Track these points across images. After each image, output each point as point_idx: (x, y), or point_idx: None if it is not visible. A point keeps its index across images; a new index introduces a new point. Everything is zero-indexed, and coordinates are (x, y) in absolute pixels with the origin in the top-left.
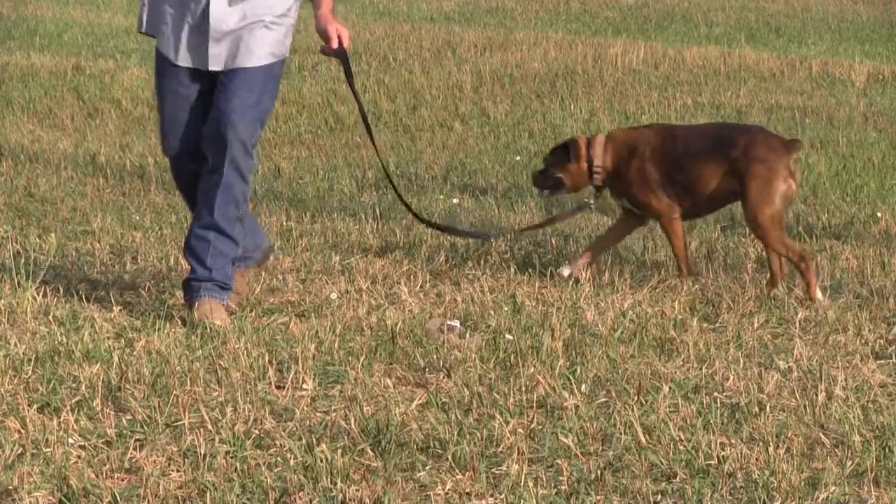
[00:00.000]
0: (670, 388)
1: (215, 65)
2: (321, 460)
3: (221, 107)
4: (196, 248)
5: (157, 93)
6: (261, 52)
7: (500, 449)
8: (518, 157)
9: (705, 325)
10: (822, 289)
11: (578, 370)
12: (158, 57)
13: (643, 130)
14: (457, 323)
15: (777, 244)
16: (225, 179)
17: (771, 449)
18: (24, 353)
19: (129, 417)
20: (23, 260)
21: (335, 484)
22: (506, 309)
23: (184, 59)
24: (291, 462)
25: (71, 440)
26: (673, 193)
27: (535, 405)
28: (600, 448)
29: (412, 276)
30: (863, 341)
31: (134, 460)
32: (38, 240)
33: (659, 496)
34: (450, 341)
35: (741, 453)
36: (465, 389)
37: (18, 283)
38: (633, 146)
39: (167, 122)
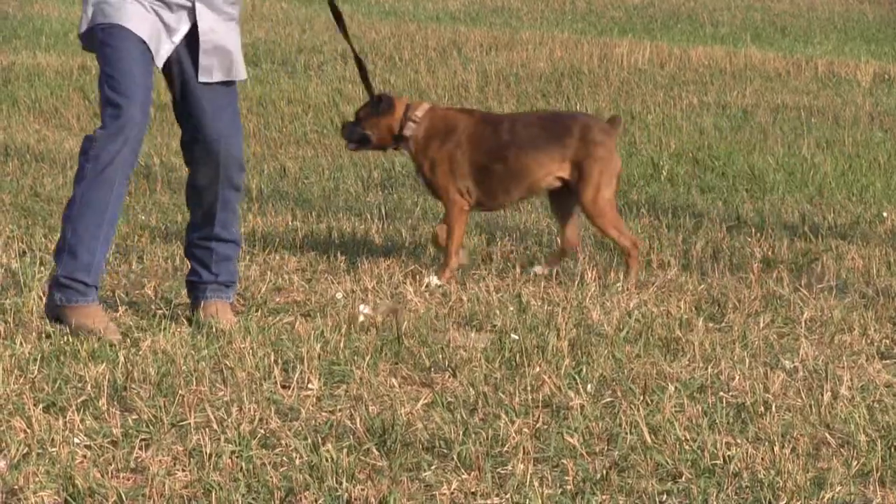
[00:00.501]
0: (676, 387)
1: (205, 77)
2: (327, 460)
3: (212, 125)
4: (199, 255)
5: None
6: (242, 58)
7: (505, 448)
8: None
9: (711, 324)
10: (829, 288)
11: (584, 370)
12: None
13: (464, 114)
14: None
15: (613, 227)
16: (223, 196)
17: (776, 449)
18: (29, 353)
19: (134, 417)
20: (28, 259)
21: (340, 483)
22: (511, 308)
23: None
24: (297, 461)
25: (76, 440)
26: (474, 184)
27: (540, 405)
28: (606, 448)
29: (418, 276)
30: (868, 341)
31: (139, 460)
32: (43, 239)
33: (664, 496)
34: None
35: (747, 453)
36: (471, 389)
37: (24, 282)
38: (452, 127)
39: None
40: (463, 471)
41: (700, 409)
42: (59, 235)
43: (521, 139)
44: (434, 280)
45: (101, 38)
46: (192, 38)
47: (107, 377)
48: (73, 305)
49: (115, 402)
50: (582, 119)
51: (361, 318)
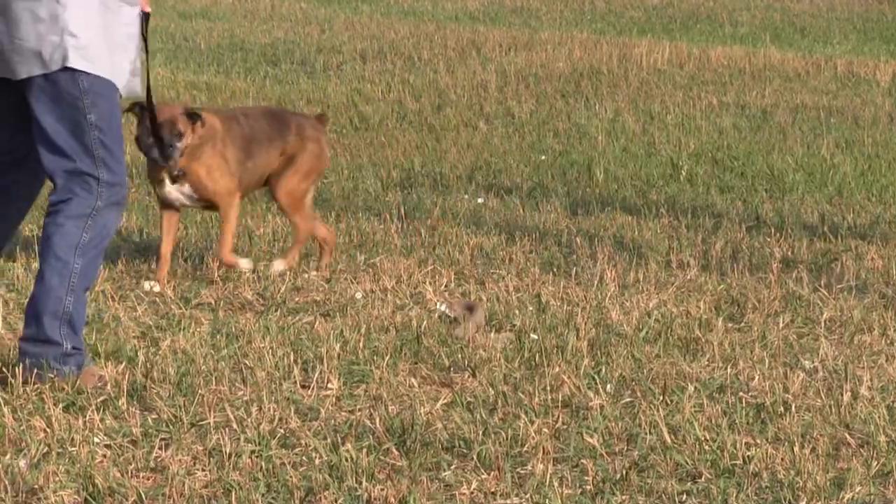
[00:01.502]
0: (695, 387)
1: None
2: (346, 459)
3: None
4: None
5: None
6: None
7: (525, 448)
8: (543, 157)
9: (730, 324)
10: (848, 288)
11: (603, 370)
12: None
13: (213, 115)
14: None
15: (309, 219)
16: None
17: (796, 449)
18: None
19: (154, 416)
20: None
21: (360, 483)
22: (531, 308)
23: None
24: (316, 461)
25: (96, 439)
26: (238, 179)
27: (560, 405)
28: (625, 448)
29: (437, 276)
30: (888, 341)
31: (159, 459)
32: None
33: (684, 496)
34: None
35: (766, 453)
36: (490, 389)
37: None
38: (211, 130)
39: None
40: (482, 471)
41: (719, 409)
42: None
43: (259, 134)
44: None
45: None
46: None
47: (126, 377)
48: (86, 370)
49: (135, 402)
50: (297, 115)
51: (438, 315)
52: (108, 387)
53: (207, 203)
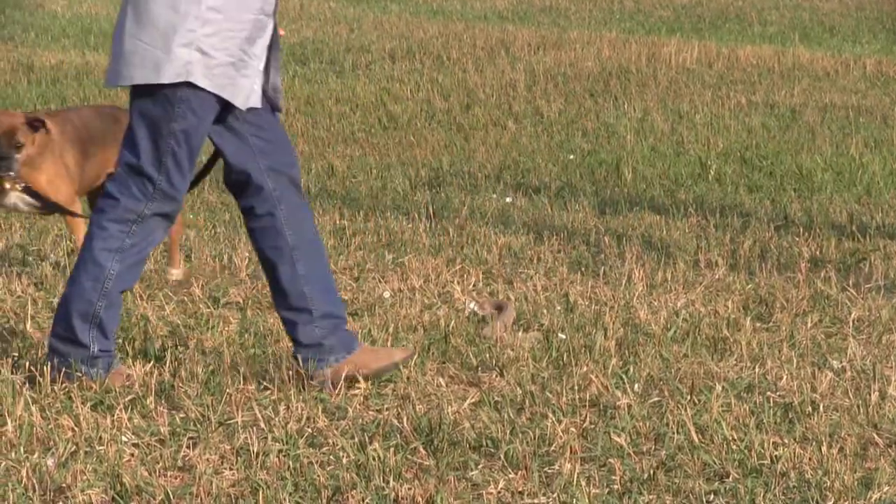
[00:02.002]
0: (723, 387)
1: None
2: (374, 459)
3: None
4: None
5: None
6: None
7: (552, 448)
8: (571, 156)
9: (758, 324)
10: (877, 288)
11: (631, 369)
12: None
13: (49, 120)
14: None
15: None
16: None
17: (824, 449)
18: None
19: (182, 415)
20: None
21: (387, 482)
22: (559, 308)
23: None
24: (344, 460)
25: (124, 438)
26: (78, 182)
27: (587, 404)
28: (653, 447)
29: (465, 275)
30: None
31: (187, 458)
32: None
33: (711, 496)
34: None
35: (794, 453)
36: (518, 388)
37: None
38: (49, 136)
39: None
40: (510, 470)
41: (747, 408)
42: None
43: (97, 134)
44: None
45: None
46: None
47: (154, 376)
48: (114, 370)
49: (163, 401)
50: (117, 109)
51: (468, 314)
52: (136, 386)
53: (50, 211)
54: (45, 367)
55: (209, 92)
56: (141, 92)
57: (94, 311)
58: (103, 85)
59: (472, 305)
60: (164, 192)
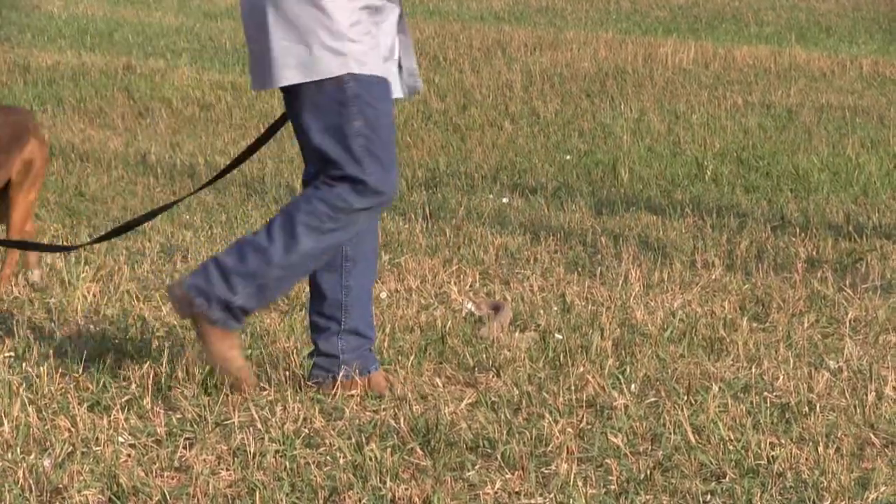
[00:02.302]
0: (720, 387)
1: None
2: (370, 459)
3: None
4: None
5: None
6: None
7: (549, 448)
8: (568, 157)
9: (755, 324)
10: (873, 288)
11: (628, 370)
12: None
13: None
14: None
15: (31, 223)
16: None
17: (821, 449)
18: (73, 352)
19: (178, 416)
20: (73, 258)
21: (384, 483)
22: (555, 308)
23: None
24: (341, 461)
25: (121, 439)
26: None
27: (584, 405)
28: (650, 448)
29: (462, 276)
30: None
31: (184, 459)
32: (88, 238)
33: (708, 496)
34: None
35: (791, 453)
36: (515, 389)
37: (69, 281)
38: None
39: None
40: (507, 470)
41: (744, 409)
42: (246, 258)
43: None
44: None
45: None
46: None
47: (151, 376)
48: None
49: (160, 401)
50: (26, 114)
51: (465, 314)
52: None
53: None
54: (41, 368)
55: (377, 77)
56: (304, 93)
57: (259, 272)
58: (252, 88)
59: (469, 306)
60: (375, 189)
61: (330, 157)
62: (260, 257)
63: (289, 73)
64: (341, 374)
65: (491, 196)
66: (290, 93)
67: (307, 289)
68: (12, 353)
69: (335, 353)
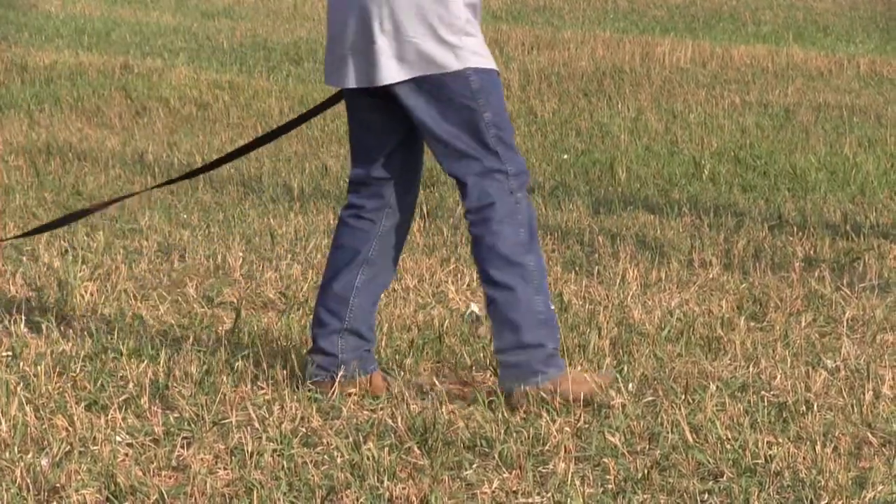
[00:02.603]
0: (717, 386)
1: None
2: (368, 458)
3: None
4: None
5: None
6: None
7: (546, 447)
8: (565, 156)
9: (753, 323)
10: (871, 287)
11: (625, 369)
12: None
13: None
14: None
15: None
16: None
17: (818, 448)
18: (71, 351)
19: (176, 415)
20: (70, 258)
21: (382, 482)
22: (552, 307)
23: None
24: (338, 460)
25: (118, 438)
26: None
27: (581, 404)
28: (647, 447)
29: (459, 275)
30: None
31: (181, 458)
32: (85, 238)
33: (706, 495)
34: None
35: (788, 452)
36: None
37: (66, 280)
38: None
39: None
40: (504, 469)
41: (741, 408)
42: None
43: None
44: None
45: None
46: None
47: (148, 375)
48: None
49: (157, 401)
50: None
51: (468, 315)
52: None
53: None
54: (39, 367)
55: (494, 69)
56: (422, 89)
57: (537, 308)
58: (338, 84)
59: (474, 308)
60: (516, 174)
61: (466, 151)
62: (522, 308)
63: (406, 69)
64: (340, 373)
65: None
66: (402, 90)
67: (304, 287)
68: (9, 353)
69: (334, 351)
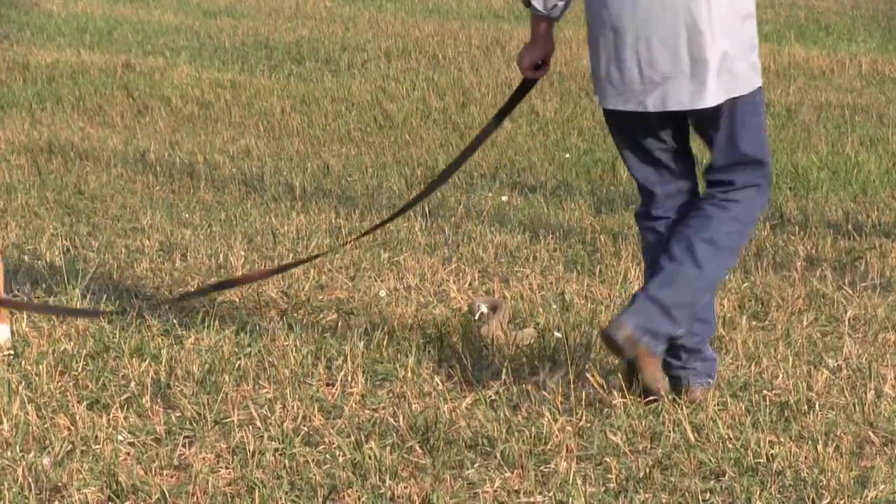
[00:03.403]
0: (719, 385)
1: None
2: (370, 457)
3: None
4: None
5: None
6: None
7: (548, 447)
8: (567, 155)
9: (754, 323)
10: (872, 287)
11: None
12: None
13: None
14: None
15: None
16: None
17: (820, 447)
18: (73, 350)
19: (178, 414)
20: (72, 257)
21: (384, 481)
22: (554, 307)
23: None
24: (340, 459)
25: (120, 437)
26: None
27: (583, 403)
28: (649, 446)
29: (461, 274)
30: None
31: (183, 457)
32: (87, 237)
33: (707, 494)
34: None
35: (790, 451)
36: (514, 387)
37: (68, 279)
38: None
39: None
40: (506, 469)
41: (743, 407)
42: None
43: None
44: None
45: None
46: None
47: (150, 374)
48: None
49: (159, 400)
50: None
51: (477, 316)
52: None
53: None
54: (41, 366)
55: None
56: (738, 107)
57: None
58: (658, 108)
59: (482, 308)
60: (770, 170)
61: (762, 160)
62: (693, 286)
63: (735, 87)
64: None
65: (490, 194)
66: (719, 107)
67: (306, 286)
68: (11, 352)
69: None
